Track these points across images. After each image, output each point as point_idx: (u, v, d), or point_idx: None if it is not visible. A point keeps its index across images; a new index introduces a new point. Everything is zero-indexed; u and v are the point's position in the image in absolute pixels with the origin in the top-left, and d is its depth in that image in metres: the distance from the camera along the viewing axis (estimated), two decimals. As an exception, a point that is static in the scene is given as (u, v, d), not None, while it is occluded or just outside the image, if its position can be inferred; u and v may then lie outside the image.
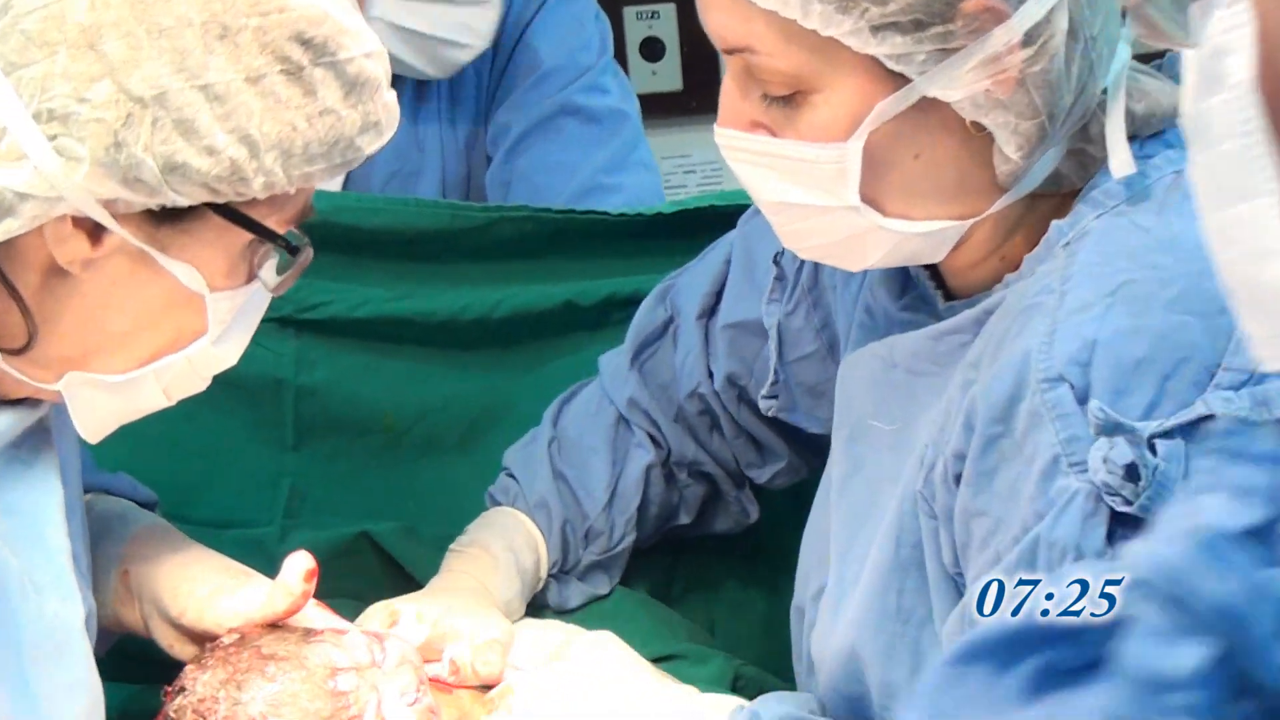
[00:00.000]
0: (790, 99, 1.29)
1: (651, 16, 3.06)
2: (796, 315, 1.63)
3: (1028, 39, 1.26)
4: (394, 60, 1.34)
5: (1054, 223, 1.32)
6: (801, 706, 1.46)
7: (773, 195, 1.33)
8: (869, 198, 1.31)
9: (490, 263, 1.89)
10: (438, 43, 2.07)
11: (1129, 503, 1.17)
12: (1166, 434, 1.16)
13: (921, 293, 1.44)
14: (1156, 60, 1.38)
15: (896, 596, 1.37)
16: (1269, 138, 0.77)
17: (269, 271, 1.31)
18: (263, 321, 1.35)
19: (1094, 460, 1.18)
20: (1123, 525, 1.18)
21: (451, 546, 1.70)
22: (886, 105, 1.28)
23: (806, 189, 1.31)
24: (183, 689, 1.36)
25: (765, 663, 1.69)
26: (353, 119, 1.23)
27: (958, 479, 1.29)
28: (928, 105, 1.29)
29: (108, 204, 1.20)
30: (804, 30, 1.25)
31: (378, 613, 1.56)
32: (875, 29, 1.24)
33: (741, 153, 1.32)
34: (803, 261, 1.59)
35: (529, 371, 1.91)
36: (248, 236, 1.27)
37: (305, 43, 1.20)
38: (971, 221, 1.34)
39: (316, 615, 1.42)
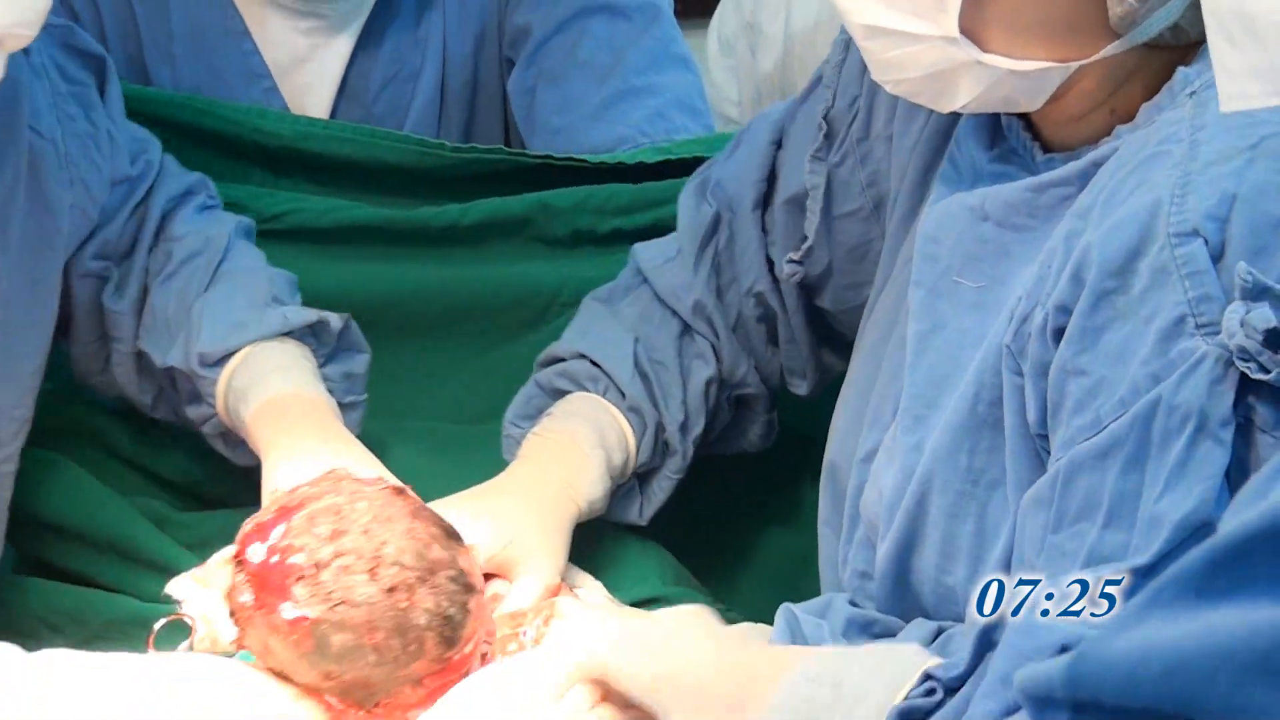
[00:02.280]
0: None
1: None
2: (844, 167, 1.59)
3: None
4: None
5: (1180, 69, 1.27)
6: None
7: (867, 18, 1.30)
8: (969, 29, 1.27)
9: (461, 193, 1.87)
10: None
11: (1265, 370, 1.11)
12: None
13: (1014, 145, 1.39)
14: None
15: (968, 456, 1.33)
16: None
17: None
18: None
19: (1229, 323, 1.12)
20: (1254, 393, 1.13)
21: (534, 430, 1.63)
22: None
23: (904, 14, 1.28)
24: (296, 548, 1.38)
25: (762, 615, 1.47)
26: None
27: (1057, 334, 1.23)
28: None
29: None
30: None
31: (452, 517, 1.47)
32: None
33: None
34: (854, 116, 1.57)
35: (509, 265, 1.86)
36: None
37: None
38: (1076, 65, 1.29)
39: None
